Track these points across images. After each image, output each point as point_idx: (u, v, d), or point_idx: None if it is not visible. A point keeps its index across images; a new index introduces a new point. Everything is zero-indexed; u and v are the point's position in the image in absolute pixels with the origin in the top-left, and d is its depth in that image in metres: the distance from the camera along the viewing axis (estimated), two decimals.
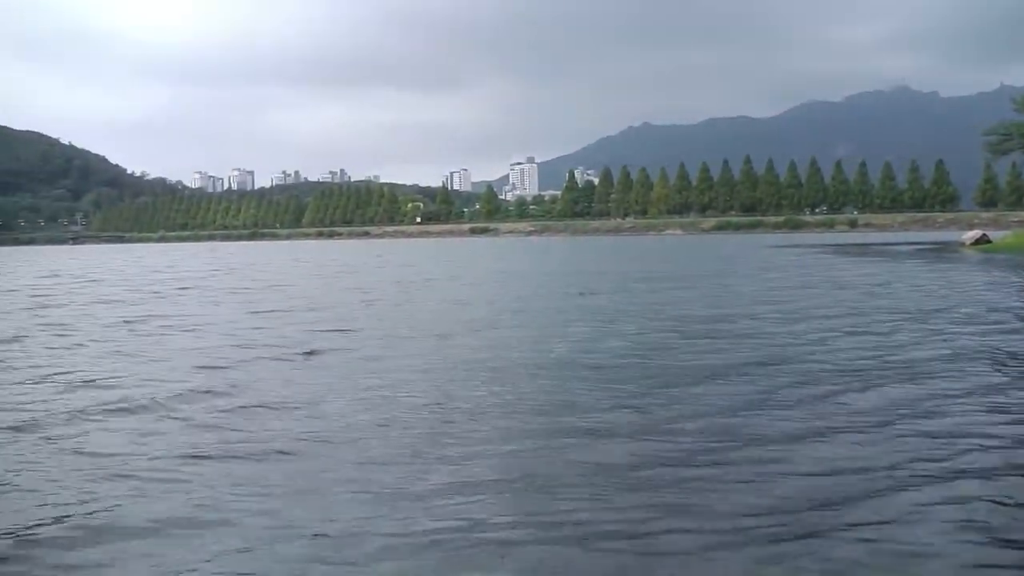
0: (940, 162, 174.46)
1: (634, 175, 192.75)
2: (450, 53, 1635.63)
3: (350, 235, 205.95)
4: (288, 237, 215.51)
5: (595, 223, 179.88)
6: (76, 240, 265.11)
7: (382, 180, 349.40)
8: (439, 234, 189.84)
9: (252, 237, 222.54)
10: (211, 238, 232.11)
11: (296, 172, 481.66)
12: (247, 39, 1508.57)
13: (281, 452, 7.72)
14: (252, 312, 21.51)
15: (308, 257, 73.08)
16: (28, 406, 9.62)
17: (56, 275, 47.19)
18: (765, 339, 14.64)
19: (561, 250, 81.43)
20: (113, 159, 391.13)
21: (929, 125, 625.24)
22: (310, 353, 13.60)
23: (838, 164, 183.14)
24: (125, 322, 19.36)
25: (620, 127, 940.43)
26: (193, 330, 17.59)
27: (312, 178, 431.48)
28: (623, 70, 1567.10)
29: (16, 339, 16.28)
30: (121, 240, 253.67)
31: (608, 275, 36.72)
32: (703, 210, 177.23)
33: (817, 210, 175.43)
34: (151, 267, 57.40)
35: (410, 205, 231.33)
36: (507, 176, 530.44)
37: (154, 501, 6.34)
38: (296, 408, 9.46)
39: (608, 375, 11.23)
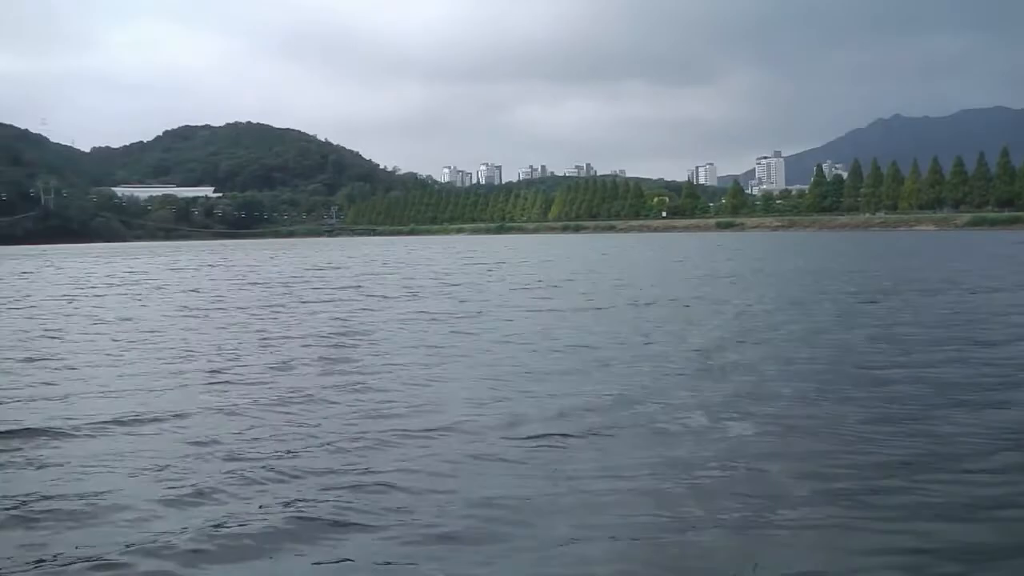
0: None
1: (884, 169, 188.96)
2: (698, 46, 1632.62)
3: (596, 229, 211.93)
4: (535, 231, 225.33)
5: (843, 218, 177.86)
6: (331, 232, 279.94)
7: (627, 175, 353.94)
8: (684, 228, 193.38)
9: (499, 231, 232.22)
10: (459, 231, 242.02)
11: (542, 167, 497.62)
12: (498, 37, 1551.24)
13: None
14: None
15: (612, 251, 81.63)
16: None
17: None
18: None
19: (816, 246, 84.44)
20: (366, 154, 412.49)
21: None
22: None
23: None
24: None
25: (869, 119, 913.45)
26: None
27: (558, 172, 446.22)
28: (873, 60, 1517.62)
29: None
30: (373, 233, 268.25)
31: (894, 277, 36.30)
32: (956, 205, 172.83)
33: None
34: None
35: (656, 200, 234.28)
36: (753, 170, 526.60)
37: None
38: None
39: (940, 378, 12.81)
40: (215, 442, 9.58)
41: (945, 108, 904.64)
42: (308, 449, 9.27)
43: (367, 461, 8.76)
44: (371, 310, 25.39)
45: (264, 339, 18.85)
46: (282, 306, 27.46)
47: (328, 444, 9.45)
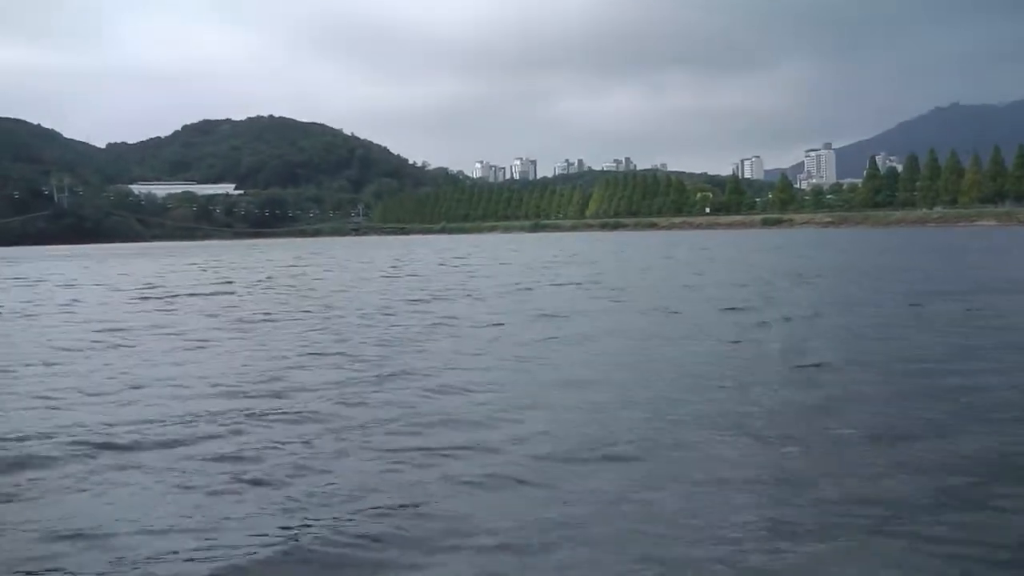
0: None
1: (942, 161, 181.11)
2: (744, 33, 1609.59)
3: (636, 226, 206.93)
4: (572, 228, 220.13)
5: (898, 214, 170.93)
6: (359, 231, 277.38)
7: (669, 169, 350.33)
8: (728, 225, 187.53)
9: (534, 229, 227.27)
10: (492, 230, 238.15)
11: (579, 161, 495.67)
12: (534, 26, 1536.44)
13: None
14: None
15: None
16: None
17: None
18: None
19: (881, 244, 76.59)
20: (395, 150, 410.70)
21: None
22: None
23: None
24: None
25: (926, 108, 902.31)
26: None
27: (596, 167, 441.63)
28: (929, 47, 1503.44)
29: None
30: (403, 231, 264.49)
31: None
32: (1020, 199, 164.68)
33: None
34: None
35: (699, 195, 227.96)
36: (801, 163, 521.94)
37: None
38: None
39: None
40: None
41: (1006, 96, 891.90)
42: None
43: None
44: None
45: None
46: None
47: None
